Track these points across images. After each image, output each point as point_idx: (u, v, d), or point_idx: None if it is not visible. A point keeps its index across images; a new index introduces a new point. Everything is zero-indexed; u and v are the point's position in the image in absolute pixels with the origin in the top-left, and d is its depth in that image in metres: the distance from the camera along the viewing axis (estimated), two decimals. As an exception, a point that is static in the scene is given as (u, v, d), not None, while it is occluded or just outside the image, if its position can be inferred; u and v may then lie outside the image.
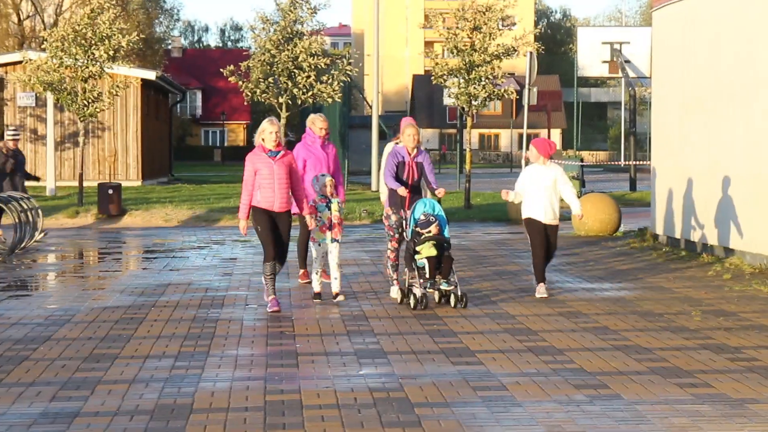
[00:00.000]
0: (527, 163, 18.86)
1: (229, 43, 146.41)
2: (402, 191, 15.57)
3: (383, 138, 54.46)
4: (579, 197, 28.84)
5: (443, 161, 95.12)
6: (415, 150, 16.45)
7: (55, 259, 23.13)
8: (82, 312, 16.11)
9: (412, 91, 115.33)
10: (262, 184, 15.21)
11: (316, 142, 19.21)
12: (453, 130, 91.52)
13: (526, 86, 39.36)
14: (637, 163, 54.02)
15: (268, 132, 15.77)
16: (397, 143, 18.04)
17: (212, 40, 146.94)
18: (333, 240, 15.63)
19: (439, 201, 16.97)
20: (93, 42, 36.33)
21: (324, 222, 15.98)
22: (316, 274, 16.22)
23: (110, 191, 25.61)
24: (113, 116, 47.50)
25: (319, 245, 15.93)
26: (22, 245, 23.93)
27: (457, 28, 37.35)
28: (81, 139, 36.19)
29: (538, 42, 47.77)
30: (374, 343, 13.70)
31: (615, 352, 12.94)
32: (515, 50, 39.53)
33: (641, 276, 20.26)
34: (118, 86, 39.73)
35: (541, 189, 16.38)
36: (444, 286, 15.02)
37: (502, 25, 40.51)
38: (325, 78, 39.50)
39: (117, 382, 11.52)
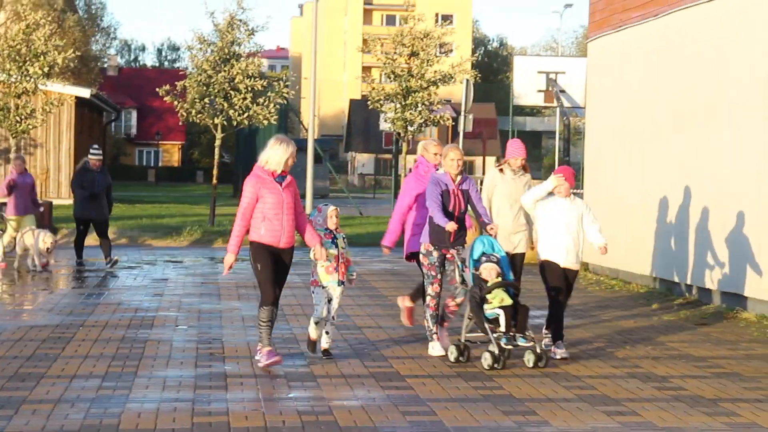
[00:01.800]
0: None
1: (166, 63, 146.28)
2: (450, 227, 13.35)
3: (318, 161, 54.72)
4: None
5: (378, 186, 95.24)
6: (459, 177, 13.99)
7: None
8: (8, 330, 16.03)
9: (349, 115, 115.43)
10: (267, 214, 12.93)
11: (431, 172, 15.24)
12: (389, 156, 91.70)
13: (462, 113, 39.43)
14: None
15: (290, 154, 13.26)
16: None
17: (149, 59, 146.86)
18: (340, 282, 13.53)
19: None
20: (27, 58, 36.27)
21: (331, 261, 13.69)
22: (316, 322, 13.74)
23: (41, 209, 25.40)
24: (46, 133, 47.34)
25: (323, 288, 13.61)
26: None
27: (395, 53, 37.52)
28: (12, 156, 36.04)
29: (475, 69, 48.16)
30: (304, 366, 13.68)
31: (544, 379, 12.97)
32: (452, 77, 39.81)
33: (569, 304, 20.27)
34: (51, 103, 39.64)
35: (564, 226, 14.00)
36: (522, 342, 12.96)
37: (440, 52, 40.77)
38: (261, 100, 39.50)
39: (42, 401, 11.46)
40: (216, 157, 40.96)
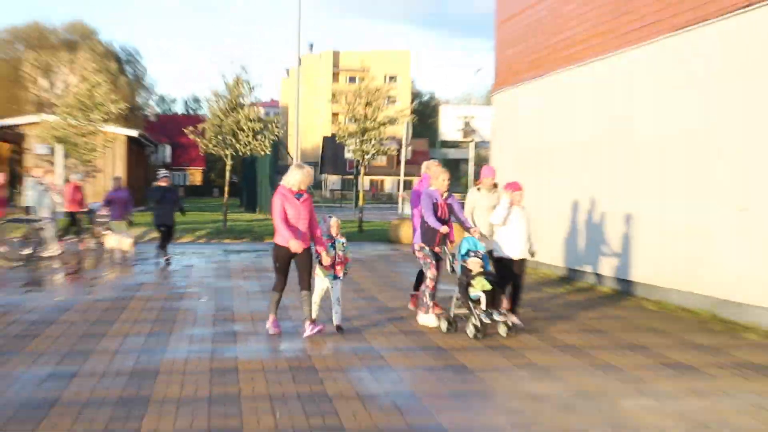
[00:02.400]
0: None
1: (191, 111, 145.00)
2: (444, 230, 13.51)
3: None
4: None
5: (344, 198, 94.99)
6: (446, 193, 14.11)
7: (61, 265, 22.87)
8: (80, 303, 15.98)
9: (323, 147, 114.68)
10: (288, 222, 12.67)
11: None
12: (351, 177, 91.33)
13: (404, 146, 39.51)
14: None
15: (305, 175, 12.89)
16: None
17: (178, 108, 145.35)
18: (335, 277, 13.32)
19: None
20: (90, 108, 36.14)
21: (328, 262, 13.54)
22: (317, 306, 13.28)
23: (131, 218, 25.44)
24: (105, 162, 46.78)
25: (321, 279, 13.37)
26: (33, 254, 23.69)
27: (355, 103, 37.51)
28: (81, 179, 35.85)
29: (412, 115, 48.26)
30: (291, 326, 13.68)
31: (462, 335, 13.05)
32: (396, 120, 39.80)
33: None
34: (108, 141, 39.59)
35: (520, 228, 13.95)
36: (497, 317, 12.86)
37: (387, 102, 40.73)
38: (259, 137, 39.44)
39: (104, 352, 11.47)
40: (227, 178, 40.63)
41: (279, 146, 66.44)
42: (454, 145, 60.81)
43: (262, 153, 41.14)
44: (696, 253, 15.68)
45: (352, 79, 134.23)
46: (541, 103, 22.69)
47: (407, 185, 79.46)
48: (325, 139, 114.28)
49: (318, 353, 11.73)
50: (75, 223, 27.50)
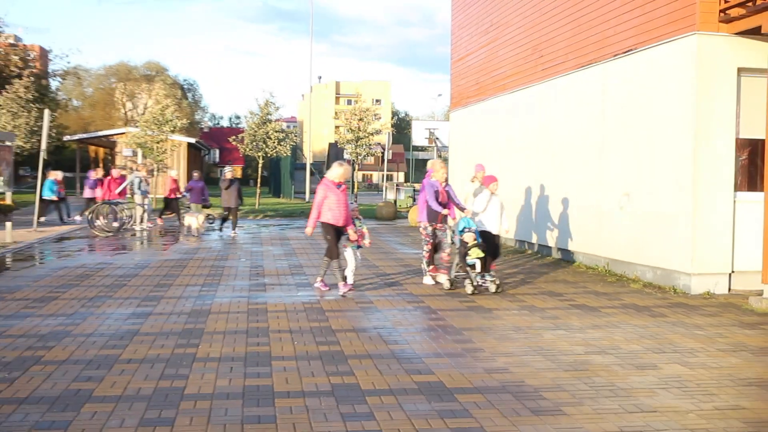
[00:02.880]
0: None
1: (233, 124, 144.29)
2: (445, 211, 13.12)
3: (312, 174, 54.61)
4: (410, 208, 28.61)
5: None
6: (444, 183, 13.58)
7: (143, 236, 22.80)
8: (154, 262, 15.92)
9: (328, 150, 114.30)
10: (331, 207, 12.03)
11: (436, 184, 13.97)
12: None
13: (386, 149, 39.35)
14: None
15: (345, 171, 12.41)
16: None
17: (224, 122, 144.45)
18: (359, 246, 12.99)
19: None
20: (162, 123, 36.00)
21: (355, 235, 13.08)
22: (352, 272, 12.84)
23: (207, 203, 25.48)
24: (172, 161, 46.51)
25: (349, 249, 12.81)
26: (123, 227, 23.64)
27: (351, 119, 37.47)
28: (155, 173, 35.71)
29: (392, 127, 48.28)
30: (305, 280, 13.63)
31: (433, 286, 13.07)
32: (380, 131, 39.85)
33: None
34: (174, 146, 39.54)
35: (496, 210, 13.12)
36: (488, 278, 12.50)
37: (374, 118, 40.71)
38: (282, 143, 39.42)
39: (171, 298, 11.42)
40: (259, 172, 40.66)
41: (296, 150, 66.49)
42: (423, 149, 60.74)
43: (285, 154, 41.32)
44: (595, 225, 15.66)
45: (348, 101, 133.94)
46: (482, 119, 22.53)
47: (389, 178, 79.24)
48: (330, 144, 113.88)
49: (324, 299, 11.65)
50: (170, 206, 27.74)
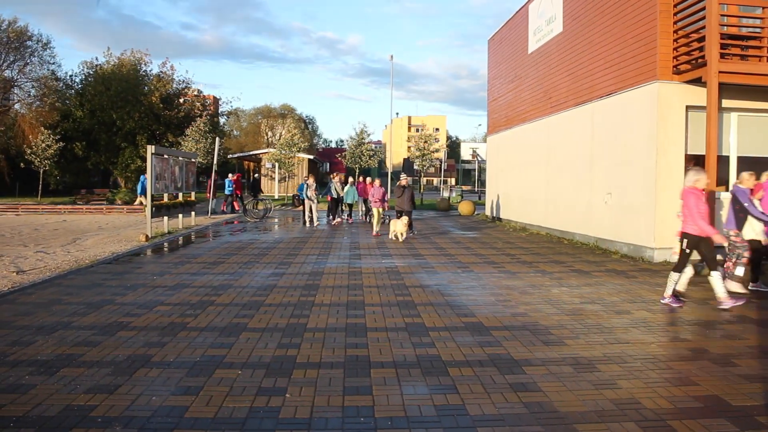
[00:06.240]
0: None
1: (339, 145, 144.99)
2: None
3: (391, 179, 54.52)
4: (459, 203, 28.41)
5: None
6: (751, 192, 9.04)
7: (278, 221, 23.02)
8: (285, 240, 16.06)
9: (404, 163, 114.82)
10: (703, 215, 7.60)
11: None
12: (417, 177, 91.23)
13: (443, 162, 39.20)
14: (480, 190, 53.58)
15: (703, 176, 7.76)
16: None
17: (333, 144, 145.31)
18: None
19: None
20: (291, 145, 36.40)
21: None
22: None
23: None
24: (297, 170, 47.11)
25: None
26: (264, 216, 24.00)
27: (419, 141, 37.35)
28: (286, 179, 36.14)
29: (447, 147, 47.77)
30: (387, 251, 13.52)
31: (472, 256, 12.78)
32: (439, 150, 39.45)
33: (482, 228, 19.90)
34: (299, 161, 40.16)
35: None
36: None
37: (434, 141, 40.45)
38: (371, 158, 39.45)
39: (297, 263, 11.48)
40: (357, 177, 40.96)
41: (381, 162, 66.47)
42: (467, 162, 60.06)
43: (373, 166, 41.35)
44: (587, 215, 15.26)
45: (417, 129, 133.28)
46: (509, 141, 21.96)
47: (445, 182, 78.65)
48: (404, 159, 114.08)
49: (402, 264, 11.51)
50: (339, 204, 22.77)
